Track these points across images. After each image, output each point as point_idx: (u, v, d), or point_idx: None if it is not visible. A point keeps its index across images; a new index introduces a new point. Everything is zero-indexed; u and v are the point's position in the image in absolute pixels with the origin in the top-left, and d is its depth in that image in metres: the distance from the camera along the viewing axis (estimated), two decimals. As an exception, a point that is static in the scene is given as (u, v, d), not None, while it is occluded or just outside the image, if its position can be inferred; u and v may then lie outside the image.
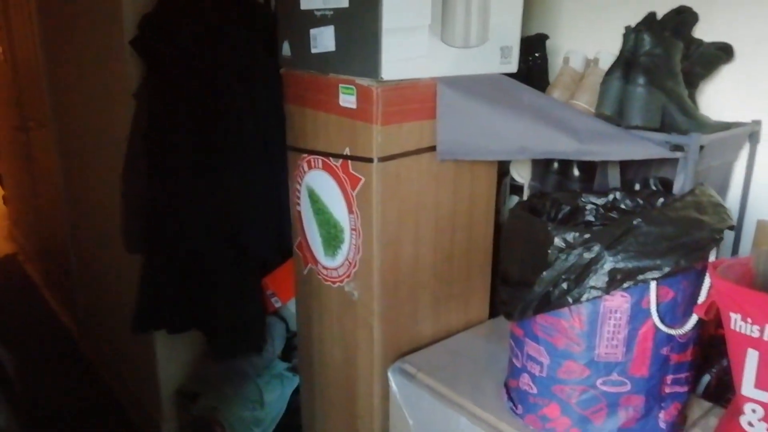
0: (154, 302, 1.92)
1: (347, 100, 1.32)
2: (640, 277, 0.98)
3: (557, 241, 1.04)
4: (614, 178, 1.49)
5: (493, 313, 1.65)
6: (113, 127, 2.03)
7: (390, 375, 1.37)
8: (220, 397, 2.03)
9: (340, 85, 1.33)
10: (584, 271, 1.00)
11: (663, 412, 1.07)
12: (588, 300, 1.00)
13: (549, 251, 1.05)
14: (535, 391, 1.12)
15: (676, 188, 1.31)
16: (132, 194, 1.93)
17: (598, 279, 0.99)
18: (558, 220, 1.31)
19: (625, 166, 1.48)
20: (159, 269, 1.90)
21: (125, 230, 1.98)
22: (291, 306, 2.12)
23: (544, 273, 1.04)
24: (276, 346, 2.14)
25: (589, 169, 1.55)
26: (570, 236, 1.03)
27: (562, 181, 1.63)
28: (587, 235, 1.01)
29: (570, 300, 1.01)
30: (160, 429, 2.15)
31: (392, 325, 1.41)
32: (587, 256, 1.00)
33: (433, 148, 1.36)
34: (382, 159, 1.30)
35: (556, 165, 1.63)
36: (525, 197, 1.72)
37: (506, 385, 1.25)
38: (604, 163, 1.49)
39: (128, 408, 2.41)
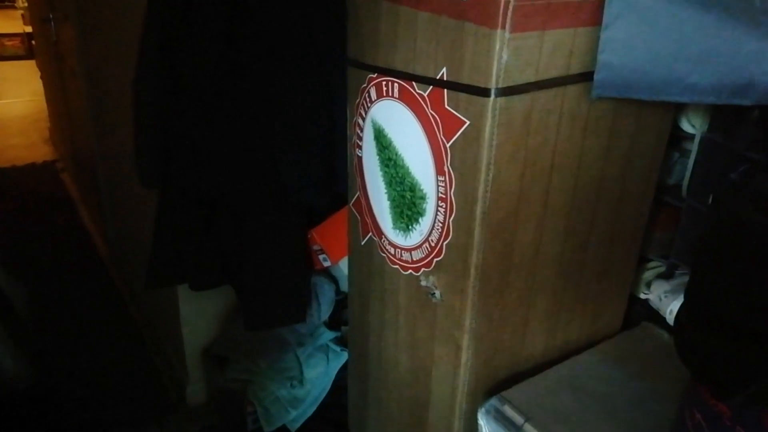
0: (173, 251, 1.52)
1: (451, -15, 0.79)
2: None
3: None
4: None
5: (626, 323, 1.16)
6: (128, 20, 1.56)
7: (481, 418, 0.92)
8: (253, 369, 1.67)
9: (442, -41, 0.79)
10: None
11: None
12: None
13: None
14: None
15: None
16: (146, 112, 1.48)
17: None
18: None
19: None
20: (178, 210, 1.48)
21: (139, 159, 1.55)
22: (343, 266, 1.69)
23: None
24: (322, 311, 1.73)
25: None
26: None
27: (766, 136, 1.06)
28: None
29: None
30: (185, 392, 1.83)
31: (489, 344, 0.94)
32: None
33: (586, 77, 0.82)
34: (506, 91, 0.77)
35: (756, 110, 1.06)
36: (693, 154, 1.16)
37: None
38: None
39: (155, 359, 2.11)
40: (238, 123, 1.41)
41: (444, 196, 0.88)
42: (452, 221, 0.88)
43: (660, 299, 1.16)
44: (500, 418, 0.91)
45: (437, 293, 0.94)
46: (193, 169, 1.45)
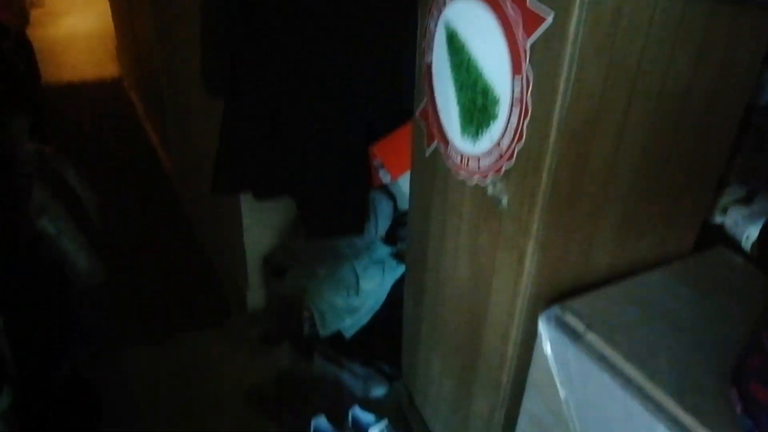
0: (237, 160, 1.56)
1: None
2: None
3: None
4: None
5: (699, 244, 1.12)
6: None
7: (541, 325, 0.93)
8: (311, 277, 1.73)
9: None
10: None
11: None
12: None
13: None
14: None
15: None
16: (213, 21, 1.48)
17: None
18: None
19: None
20: (243, 119, 1.51)
21: (205, 67, 1.57)
22: (402, 182, 1.69)
23: None
24: (379, 227, 1.76)
25: None
26: None
27: None
28: None
29: None
30: (245, 298, 1.92)
31: (555, 253, 0.93)
32: None
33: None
34: (596, -17, 0.72)
35: None
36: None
37: (739, 387, 0.77)
38: None
39: (216, 267, 2.21)
40: (306, 31, 1.40)
41: (520, 98, 0.85)
42: (526, 124, 0.85)
43: (737, 224, 1.11)
44: (561, 325, 0.91)
45: (504, 200, 0.93)
46: (260, 78, 1.45)
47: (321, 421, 1.50)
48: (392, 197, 1.77)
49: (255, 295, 1.93)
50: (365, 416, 1.53)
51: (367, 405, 1.57)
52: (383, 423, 1.47)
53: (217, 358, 1.81)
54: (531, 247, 0.91)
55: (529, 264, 0.93)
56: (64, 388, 1.63)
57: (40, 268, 1.76)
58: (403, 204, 1.77)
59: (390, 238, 1.80)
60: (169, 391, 1.68)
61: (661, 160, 0.93)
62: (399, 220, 1.82)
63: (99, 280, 2.01)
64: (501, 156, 0.92)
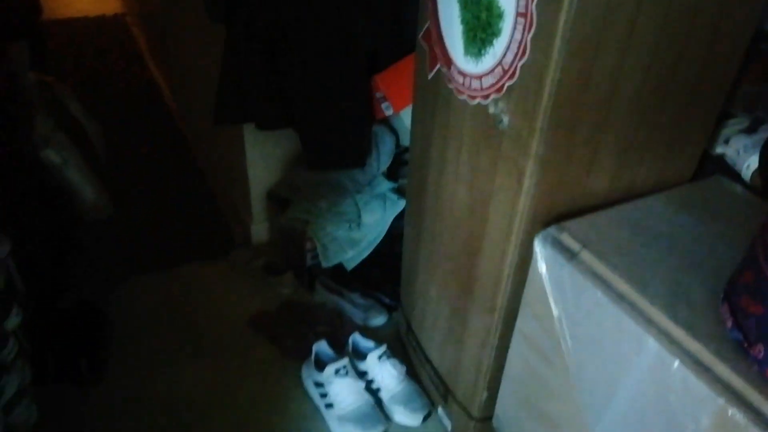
0: (239, 89, 1.54)
1: None
2: None
3: None
4: None
5: (699, 173, 1.12)
6: None
7: (537, 245, 0.94)
8: (313, 210, 1.74)
9: None
10: None
11: None
12: None
13: None
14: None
15: None
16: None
17: None
18: None
19: None
20: (244, 47, 1.49)
21: (207, -10, 1.53)
22: (405, 117, 1.69)
23: None
24: (381, 162, 1.76)
25: None
26: None
27: None
28: None
29: None
30: (249, 231, 1.94)
31: (553, 173, 0.94)
32: None
33: None
34: None
35: None
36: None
37: (731, 302, 0.78)
38: None
39: (221, 200, 2.22)
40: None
41: (525, 11, 0.84)
42: (530, 38, 0.84)
43: (738, 153, 1.11)
44: (557, 245, 0.92)
45: (505, 119, 0.93)
46: (260, 1, 1.42)
47: (322, 345, 1.54)
48: (394, 132, 1.76)
49: (259, 228, 1.95)
50: (365, 342, 1.57)
51: (367, 333, 1.62)
52: (382, 348, 1.51)
53: (221, 287, 1.84)
54: (530, 167, 0.91)
55: (528, 185, 0.93)
56: (72, 313, 1.67)
57: (45, 196, 1.76)
58: (405, 140, 1.76)
59: (391, 174, 1.81)
60: (174, 316, 1.72)
61: (665, 82, 0.92)
62: (400, 158, 1.81)
63: (106, 213, 2.02)
64: (504, 74, 0.91)
